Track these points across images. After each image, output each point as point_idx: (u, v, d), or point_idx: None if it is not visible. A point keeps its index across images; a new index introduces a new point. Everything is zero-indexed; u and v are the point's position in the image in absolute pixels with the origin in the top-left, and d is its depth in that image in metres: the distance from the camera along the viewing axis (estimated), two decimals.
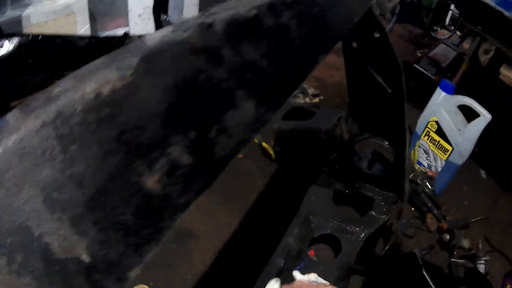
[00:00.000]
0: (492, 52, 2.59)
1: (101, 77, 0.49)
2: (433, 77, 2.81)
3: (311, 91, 2.69)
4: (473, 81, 2.46)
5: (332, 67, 3.13)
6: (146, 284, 1.66)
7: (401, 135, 1.54)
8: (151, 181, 0.50)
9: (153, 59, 0.51)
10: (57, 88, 0.49)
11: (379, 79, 1.54)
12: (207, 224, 1.92)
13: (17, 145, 0.45)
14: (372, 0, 1.11)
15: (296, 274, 1.27)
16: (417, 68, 2.94)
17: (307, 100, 2.62)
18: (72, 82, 0.50)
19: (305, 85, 2.75)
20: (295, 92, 2.61)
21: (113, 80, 0.48)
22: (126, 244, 0.51)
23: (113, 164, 0.48)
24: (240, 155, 2.26)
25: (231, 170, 2.02)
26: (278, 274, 1.56)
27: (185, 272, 1.73)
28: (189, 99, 0.53)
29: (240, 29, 0.57)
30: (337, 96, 2.71)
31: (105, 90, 0.48)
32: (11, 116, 0.48)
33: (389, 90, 1.53)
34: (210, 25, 0.54)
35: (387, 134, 1.74)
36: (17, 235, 0.45)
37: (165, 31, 0.53)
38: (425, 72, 2.90)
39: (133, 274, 0.51)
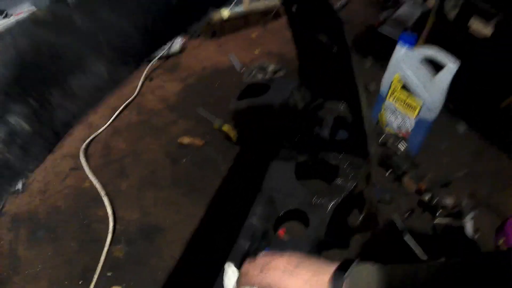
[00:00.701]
0: (459, 7, 2.50)
1: None
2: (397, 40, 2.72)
3: (271, 67, 2.61)
4: (441, 37, 2.37)
5: (292, 41, 3.05)
6: (118, 286, 1.61)
7: (355, 93, 1.46)
8: None
9: None
10: None
11: (323, 39, 1.45)
12: (173, 217, 1.86)
13: None
14: None
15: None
16: (381, 32, 2.85)
17: (267, 77, 2.53)
18: None
19: (264, 63, 2.68)
20: (252, 72, 2.55)
21: None
22: None
23: None
24: (200, 143, 2.20)
25: (193, 160, 1.96)
26: (243, 257, 1.48)
27: (156, 267, 1.67)
28: (29, 69, 0.54)
29: None
30: None
31: None
32: None
33: (335, 49, 1.45)
34: None
35: (342, 96, 1.66)
36: None
37: None
38: (389, 35, 2.82)
39: None
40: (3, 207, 1.93)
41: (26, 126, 0.53)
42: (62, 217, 1.85)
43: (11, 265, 1.67)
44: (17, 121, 0.52)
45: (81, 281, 1.62)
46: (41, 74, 0.54)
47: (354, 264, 0.93)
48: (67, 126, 0.60)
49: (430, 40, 2.26)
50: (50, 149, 0.58)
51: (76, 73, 0.58)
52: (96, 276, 1.62)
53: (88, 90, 0.60)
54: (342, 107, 1.68)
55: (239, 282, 1.16)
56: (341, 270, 0.93)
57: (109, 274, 1.64)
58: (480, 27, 2.35)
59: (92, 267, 1.65)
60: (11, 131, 0.52)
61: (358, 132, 1.57)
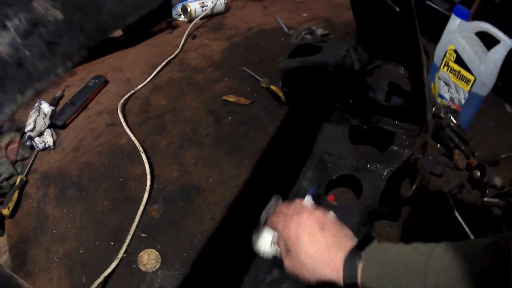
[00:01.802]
0: None
1: None
2: (446, 13, 2.64)
3: (319, 31, 2.54)
4: (488, 16, 2.29)
5: (340, 6, 3.00)
6: (153, 248, 1.54)
7: (416, 57, 1.39)
8: None
9: None
10: None
11: None
12: (215, 177, 1.79)
13: None
14: None
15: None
16: (430, 4, 2.77)
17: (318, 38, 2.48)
18: None
19: (312, 26, 2.60)
20: (302, 34, 2.48)
21: None
22: None
23: None
24: (247, 101, 2.14)
25: (238, 119, 1.90)
26: None
27: (193, 230, 1.60)
28: None
29: None
30: (348, 35, 2.58)
31: None
32: None
33: (397, 9, 1.38)
34: None
35: (401, 59, 1.58)
36: None
37: None
38: (438, 8, 2.73)
39: None
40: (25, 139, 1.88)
41: (58, 14, 0.43)
42: (95, 174, 1.81)
43: (38, 224, 1.64)
44: (45, 7, 0.42)
45: (112, 242, 1.57)
46: None
47: (373, 242, 0.94)
48: (118, 20, 0.49)
49: (478, 19, 2.17)
50: (89, 49, 0.47)
51: None
52: (129, 237, 1.56)
53: None
54: (401, 70, 1.61)
55: (268, 219, 1.20)
56: (357, 248, 0.94)
57: (143, 235, 1.58)
58: None
59: (125, 228, 1.60)
60: (35, 19, 0.42)
61: (415, 98, 1.50)
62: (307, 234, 1.02)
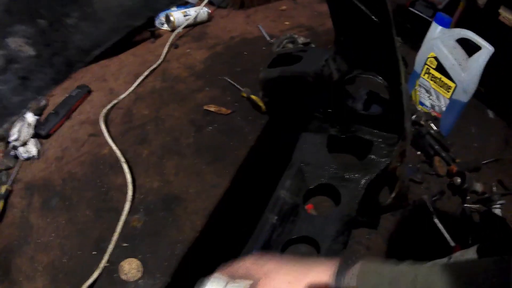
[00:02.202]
0: None
1: None
2: (430, 19, 2.65)
3: (301, 39, 2.54)
4: (471, 22, 2.30)
5: (323, 15, 3.01)
6: (134, 258, 1.55)
7: (394, 66, 1.39)
8: None
9: None
10: None
11: (363, 7, 1.39)
12: (195, 187, 1.80)
13: None
14: None
15: None
16: (413, 11, 2.78)
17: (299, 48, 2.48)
18: None
19: (294, 34, 2.61)
20: (283, 43, 2.49)
21: None
22: None
23: None
24: (227, 111, 2.14)
25: (219, 128, 1.90)
26: (271, 232, 1.43)
27: (174, 239, 1.62)
28: None
29: None
30: (329, 43, 2.58)
31: None
32: None
33: (375, 19, 1.38)
34: None
35: (380, 68, 1.59)
36: None
37: None
38: (421, 14, 2.75)
39: None
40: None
41: (30, 50, 0.45)
42: (78, 184, 1.81)
43: (22, 234, 1.64)
44: (18, 44, 0.44)
45: (95, 252, 1.57)
46: None
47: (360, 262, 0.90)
48: (84, 54, 0.51)
49: (460, 25, 2.19)
50: (58, 82, 0.50)
51: None
52: (111, 247, 1.56)
53: (116, 13, 0.51)
54: (379, 79, 1.61)
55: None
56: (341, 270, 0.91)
57: (124, 245, 1.59)
58: (510, 17, 2.28)
59: (107, 237, 1.60)
60: (9, 56, 0.44)
61: (393, 106, 1.51)
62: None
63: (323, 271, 0.92)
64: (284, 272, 0.95)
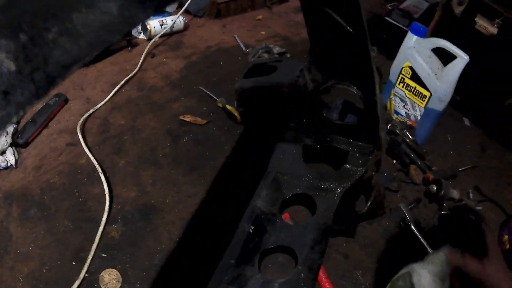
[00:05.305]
0: (466, 3, 2.47)
1: None
2: (406, 29, 2.67)
3: (276, 49, 2.56)
4: (447, 31, 2.33)
5: (298, 24, 3.03)
6: (113, 268, 1.54)
7: (368, 76, 1.41)
8: None
9: None
10: None
11: (338, 19, 1.40)
12: (172, 197, 1.80)
13: None
14: None
15: None
16: (389, 21, 2.80)
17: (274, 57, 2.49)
18: None
19: (270, 44, 2.63)
20: (258, 52, 2.49)
21: None
22: None
23: None
24: (203, 121, 2.15)
25: (195, 138, 1.91)
26: (248, 241, 1.43)
27: (153, 249, 1.61)
28: None
29: None
30: (304, 53, 2.62)
31: None
32: None
33: (350, 30, 1.40)
34: None
35: (354, 79, 1.60)
36: None
37: None
38: (397, 24, 2.77)
39: None
40: None
41: (11, 65, 0.46)
42: (57, 194, 1.79)
43: (1, 243, 1.62)
44: (0, 58, 0.45)
45: (74, 262, 1.56)
46: (36, 3, 0.47)
47: None
48: (64, 70, 0.51)
49: (437, 34, 2.21)
50: (38, 96, 0.50)
51: (81, 7, 0.50)
52: (90, 257, 1.55)
53: (94, 28, 0.52)
54: (354, 89, 1.62)
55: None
56: None
57: (103, 255, 1.58)
58: (486, 25, 2.31)
59: (86, 247, 1.59)
60: None
61: (368, 116, 1.52)
62: None
63: None
64: None
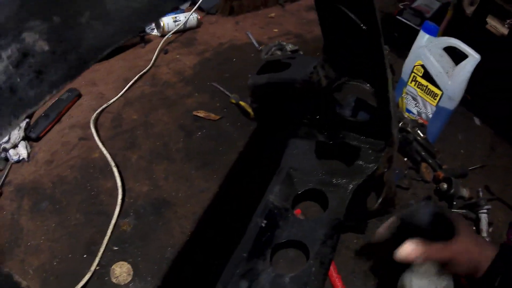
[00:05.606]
0: (478, 3, 2.47)
1: None
2: (418, 28, 2.68)
3: (289, 47, 2.56)
4: (459, 31, 2.33)
5: (311, 22, 3.04)
6: (125, 261, 1.55)
7: (381, 74, 1.41)
8: None
9: None
10: None
11: (352, 15, 1.40)
12: (185, 191, 1.81)
13: None
14: None
15: None
16: (401, 20, 2.81)
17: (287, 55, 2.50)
18: None
19: (283, 41, 2.63)
20: (271, 50, 2.50)
21: None
22: None
23: None
24: (216, 117, 2.16)
25: (208, 134, 1.92)
26: (260, 236, 1.44)
27: (164, 243, 1.62)
28: None
29: None
30: (317, 50, 2.60)
31: None
32: None
33: (363, 26, 1.40)
34: None
35: (367, 76, 1.61)
36: None
37: None
38: (409, 23, 2.78)
39: None
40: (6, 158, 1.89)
41: (44, 45, 0.47)
42: (68, 188, 1.81)
43: (12, 236, 1.63)
44: (34, 38, 0.46)
45: (85, 255, 1.57)
46: None
47: None
48: (96, 52, 0.54)
49: (448, 33, 2.22)
50: (71, 77, 0.52)
51: None
52: (101, 250, 1.57)
53: (125, 14, 0.54)
54: (367, 86, 1.63)
55: None
56: None
57: (115, 248, 1.59)
58: (497, 25, 2.31)
59: (97, 241, 1.61)
60: (25, 50, 0.46)
61: (381, 113, 1.53)
62: None
63: None
64: None
